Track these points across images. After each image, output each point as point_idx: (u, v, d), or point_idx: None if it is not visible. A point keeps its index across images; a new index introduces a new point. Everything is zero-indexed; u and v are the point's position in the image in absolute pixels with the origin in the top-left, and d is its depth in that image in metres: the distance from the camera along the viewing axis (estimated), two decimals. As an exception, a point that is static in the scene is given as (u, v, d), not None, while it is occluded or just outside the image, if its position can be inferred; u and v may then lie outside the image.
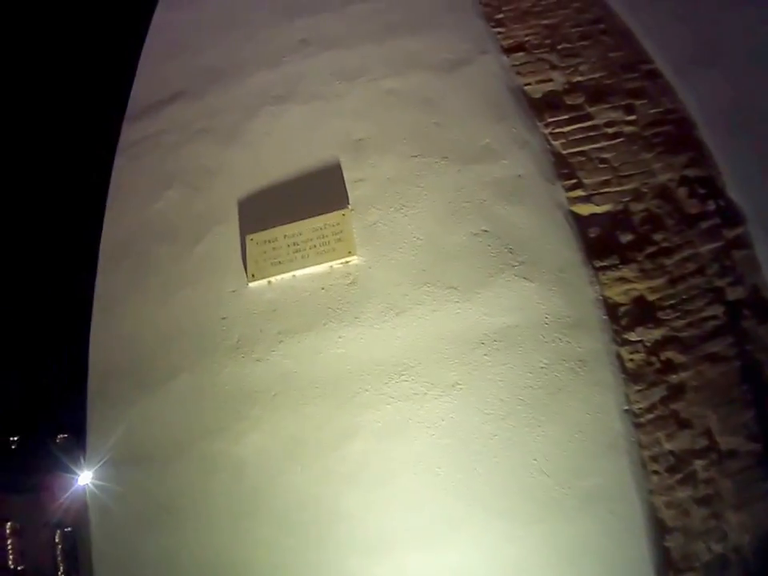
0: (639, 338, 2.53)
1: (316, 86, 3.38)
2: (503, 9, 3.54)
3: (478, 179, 2.88)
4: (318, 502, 2.49)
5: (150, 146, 3.47)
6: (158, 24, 3.97)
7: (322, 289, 2.80)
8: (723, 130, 2.91)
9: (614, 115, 3.03)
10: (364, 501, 2.45)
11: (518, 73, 3.22)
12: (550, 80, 3.19)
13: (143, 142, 3.50)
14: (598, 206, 2.79)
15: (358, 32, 3.51)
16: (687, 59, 3.12)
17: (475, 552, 2.32)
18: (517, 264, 2.67)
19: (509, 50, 3.33)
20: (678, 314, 2.58)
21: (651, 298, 2.60)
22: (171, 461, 2.68)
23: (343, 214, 2.89)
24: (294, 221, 2.92)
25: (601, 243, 2.71)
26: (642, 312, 2.58)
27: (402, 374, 2.57)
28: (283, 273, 2.85)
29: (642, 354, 2.50)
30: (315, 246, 2.84)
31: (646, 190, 2.82)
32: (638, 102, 3.07)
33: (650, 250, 2.69)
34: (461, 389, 2.50)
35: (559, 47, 3.31)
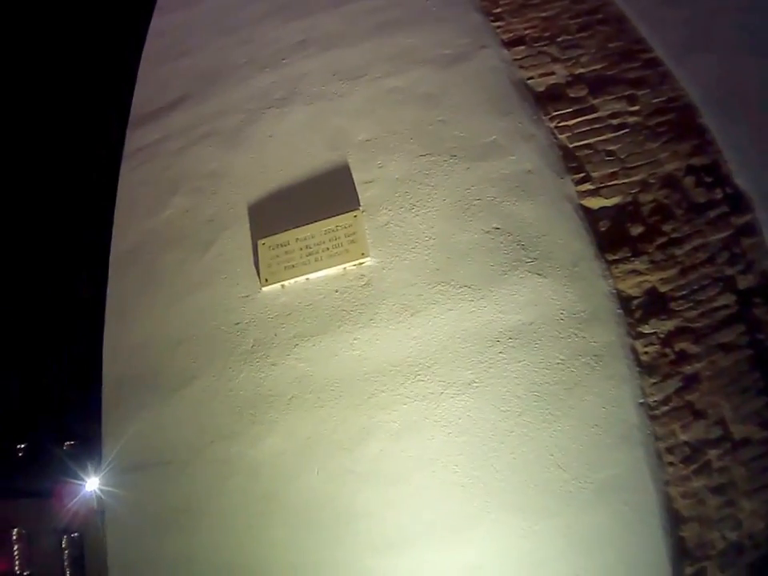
0: (653, 330, 2.53)
1: (318, 87, 3.36)
2: (500, 3, 3.50)
3: (486, 176, 2.87)
4: (335, 502, 2.50)
5: (155, 153, 3.46)
6: (156, 29, 3.94)
7: (336, 291, 2.80)
8: (725, 115, 2.90)
9: (618, 106, 3.02)
10: (381, 499, 2.46)
11: (520, 67, 3.20)
12: (552, 73, 3.18)
13: (148, 149, 3.48)
14: (606, 198, 2.79)
15: (356, 30, 3.49)
16: (685, 44, 3.11)
17: (493, 548, 2.34)
18: (529, 260, 2.67)
19: (509, 44, 3.31)
20: (690, 304, 2.58)
21: (663, 289, 2.61)
22: (187, 465, 2.70)
23: (355, 216, 2.88)
24: (304, 223, 2.92)
25: (612, 236, 2.71)
26: (655, 304, 2.58)
27: (418, 374, 2.57)
28: (296, 276, 2.85)
29: (656, 346, 2.51)
30: (328, 249, 2.83)
31: (653, 181, 2.82)
32: (640, 92, 3.05)
33: (661, 240, 2.69)
34: (477, 387, 2.51)
35: (559, 39, 3.29)
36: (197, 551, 2.57)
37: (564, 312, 2.56)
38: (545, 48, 3.27)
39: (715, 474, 2.37)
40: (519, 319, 2.58)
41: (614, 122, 2.98)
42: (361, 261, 2.81)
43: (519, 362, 2.51)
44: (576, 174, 2.85)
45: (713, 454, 2.39)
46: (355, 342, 2.69)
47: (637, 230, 2.73)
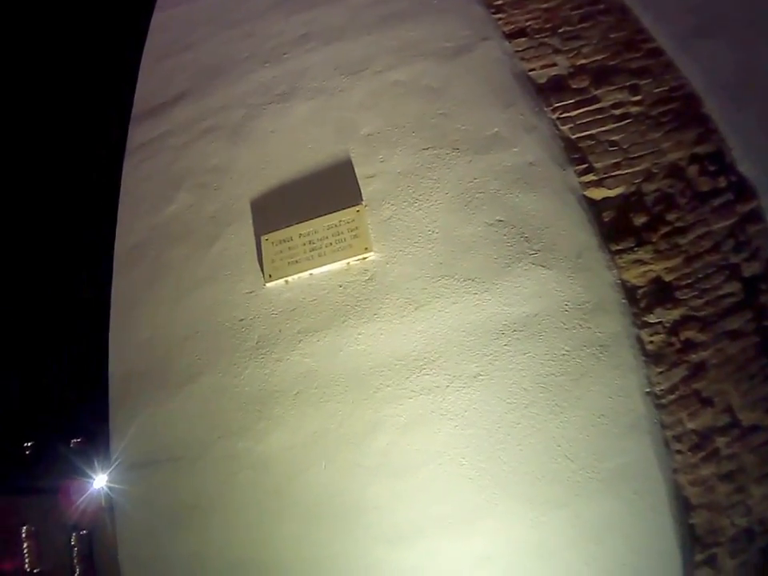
0: (658, 320, 2.53)
1: (320, 81, 3.35)
2: (501, -6, 3.50)
3: (489, 168, 2.87)
4: (344, 495, 2.51)
5: (158, 148, 3.46)
6: (157, 23, 3.93)
7: (340, 286, 2.80)
8: (729, 102, 2.88)
9: (620, 96, 3.01)
10: (390, 492, 2.47)
11: (522, 58, 3.19)
12: (554, 64, 3.17)
13: (151, 144, 3.48)
14: (610, 189, 2.79)
15: (357, 24, 3.48)
16: (687, 31, 3.08)
17: (501, 539, 2.35)
18: (533, 252, 2.67)
19: (510, 36, 3.29)
20: (695, 292, 2.58)
21: (668, 278, 2.61)
22: (195, 461, 2.71)
23: (358, 211, 2.88)
24: (307, 218, 2.92)
25: (616, 226, 2.70)
26: (660, 293, 2.58)
27: (423, 368, 2.58)
28: (300, 272, 2.85)
29: (662, 335, 2.51)
30: (331, 244, 2.83)
31: (656, 170, 2.81)
32: (642, 82, 3.04)
33: (665, 230, 2.69)
34: (483, 379, 2.51)
35: (560, 30, 3.27)
36: (209, 547, 2.59)
37: (569, 303, 2.56)
38: (546, 39, 3.25)
39: (724, 461, 2.37)
40: (524, 311, 2.58)
41: (617, 112, 2.97)
42: (364, 255, 2.81)
43: (525, 353, 2.51)
44: (579, 164, 2.84)
45: (721, 441, 2.40)
46: (360, 336, 2.70)
47: (641, 219, 2.72)
